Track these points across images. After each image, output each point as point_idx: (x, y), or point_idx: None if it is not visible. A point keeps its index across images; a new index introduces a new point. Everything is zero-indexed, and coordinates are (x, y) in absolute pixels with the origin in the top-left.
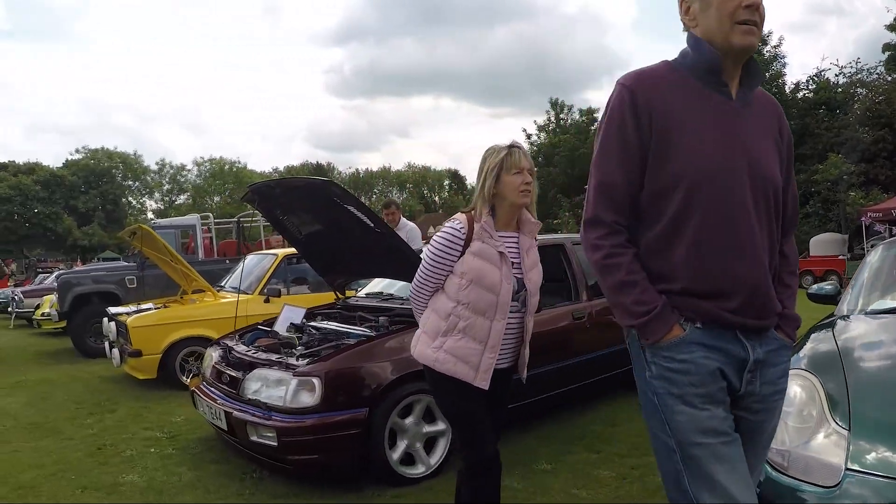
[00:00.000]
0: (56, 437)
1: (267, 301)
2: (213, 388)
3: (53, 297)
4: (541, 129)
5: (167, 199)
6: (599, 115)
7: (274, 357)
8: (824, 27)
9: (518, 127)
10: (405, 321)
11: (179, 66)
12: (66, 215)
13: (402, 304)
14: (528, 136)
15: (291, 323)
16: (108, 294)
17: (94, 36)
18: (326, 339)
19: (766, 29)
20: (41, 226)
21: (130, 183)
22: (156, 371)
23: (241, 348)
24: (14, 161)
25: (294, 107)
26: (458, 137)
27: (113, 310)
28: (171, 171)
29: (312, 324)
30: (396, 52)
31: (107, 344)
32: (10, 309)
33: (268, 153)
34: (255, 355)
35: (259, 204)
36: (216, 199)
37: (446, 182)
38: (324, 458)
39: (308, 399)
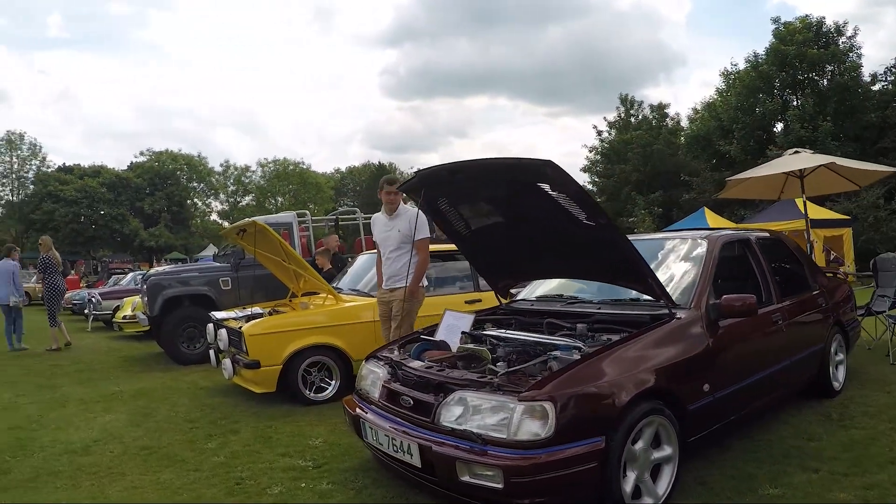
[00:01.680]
0: (178, 466)
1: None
2: (387, 414)
3: (136, 300)
4: (611, 125)
5: (232, 200)
6: (670, 111)
7: (474, 376)
8: (881, 18)
9: (575, 125)
10: (609, 328)
11: (234, 72)
12: (133, 217)
13: (597, 308)
14: (599, 133)
15: (463, 332)
16: (201, 297)
17: (150, 44)
18: (524, 353)
19: (839, 19)
20: (108, 227)
21: (195, 184)
22: (275, 384)
23: (416, 364)
24: (79, 164)
25: (350, 109)
26: (516, 137)
27: (218, 315)
28: (236, 173)
29: (489, 333)
30: (450, 52)
31: (212, 352)
32: (86, 311)
33: (324, 156)
34: (446, 374)
35: (425, 193)
36: (279, 199)
37: None
38: (557, 500)
39: (538, 429)
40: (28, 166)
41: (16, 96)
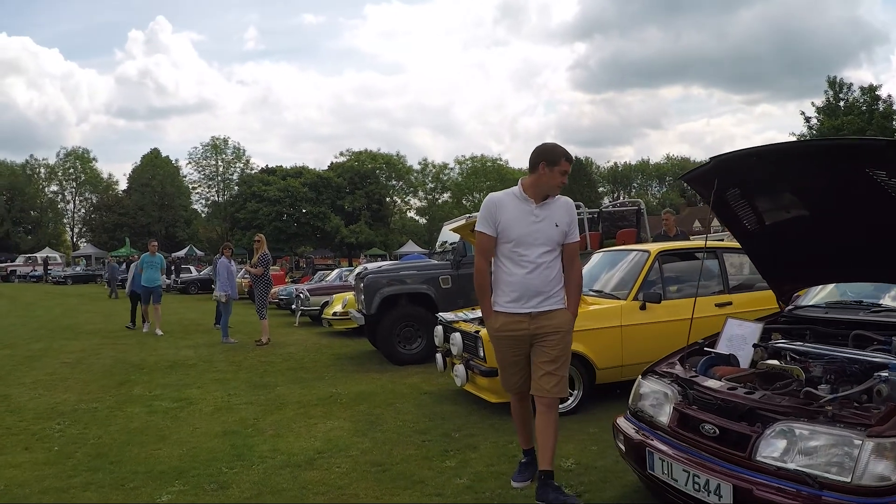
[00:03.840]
0: (417, 489)
1: (643, 308)
2: (682, 444)
3: (346, 296)
4: (819, 110)
5: (430, 197)
6: (882, 93)
7: (798, 403)
8: None
9: (773, 112)
10: None
11: (426, 73)
12: (333, 215)
13: None
14: (808, 120)
15: (755, 345)
16: (421, 295)
17: (342, 51)
18: (842, 372)
19: None
20: (309, 225)
21: (394, 182)
22: None
23: (714, 384)
24: (282, 166)
25: (542, 105)
26: (713, 127)
27: (446, 316)
28: (434, 170)
29: (788, 346)
30: (641, 42)
31: (439, 356)
32: (294, 307)
33: (517, 152)
34: (761, 399)
35: (719, 181)
36: (477, 196)
37: None
38: None
39: (889, 472)
40: (232, 169)
41: (218, 106)
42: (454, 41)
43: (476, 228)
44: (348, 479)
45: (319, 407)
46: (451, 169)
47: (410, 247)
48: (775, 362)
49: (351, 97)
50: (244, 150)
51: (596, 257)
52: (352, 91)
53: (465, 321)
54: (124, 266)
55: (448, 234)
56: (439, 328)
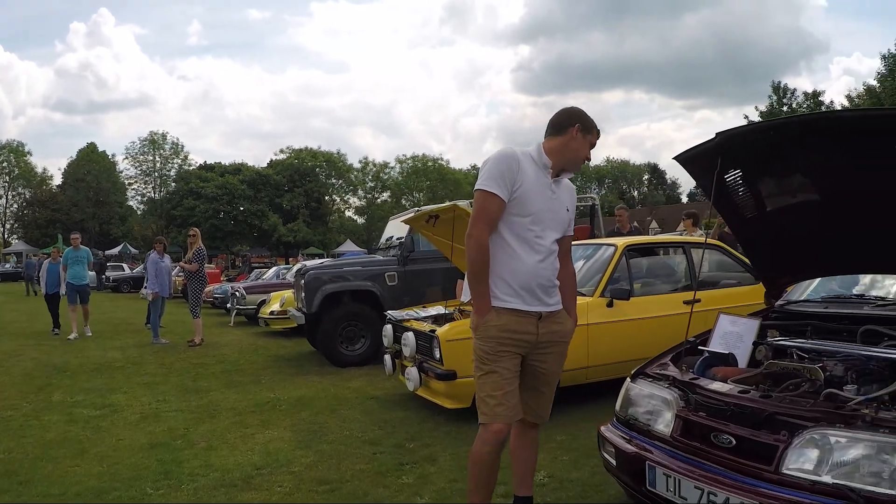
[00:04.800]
0: None
1: (610, 305)
2: (689, 456)
3: (285, 294)
4: (763, 115)
5: (369, 196)
6: (825, 98)
7: (830, 407)
8: None
9: (713, 118)
10: None
11: (369, 73)
12: (272, 213)
13: None
14: (750, 124)
15: (757, 343)
16: (365, 293)
17: (286, 48)
18: (860, 371)
19: None
20: (246, 223)
21: (334, 181)
22: (471, 400)
23: (721, 387)
24: (220, 163)
25: (484, 106)
26: (653, 131)
27: (395, 314)
28: (374, 169)
29: (793, 343)
30: (585, 45)
31: (387, 358)
32: (229, 305)
33: (458, 152)
34: (783, 403)
35: (722, 161)
36: (417, 195)
37: (645, 177)
38: None
39: None
40: (170, 165)
41: (159, 101)
42: (400, 40)
43: (484, 187)
44: (292, 500)
45: (256, 414)
46: (392, 168)
47: (349, 246)
48: (787, 362)
49: (294, 95)
50: (183, 146)
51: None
52: (295, 89)
53: (417, 320)
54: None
55: (394, 229)
56: (388, 328)
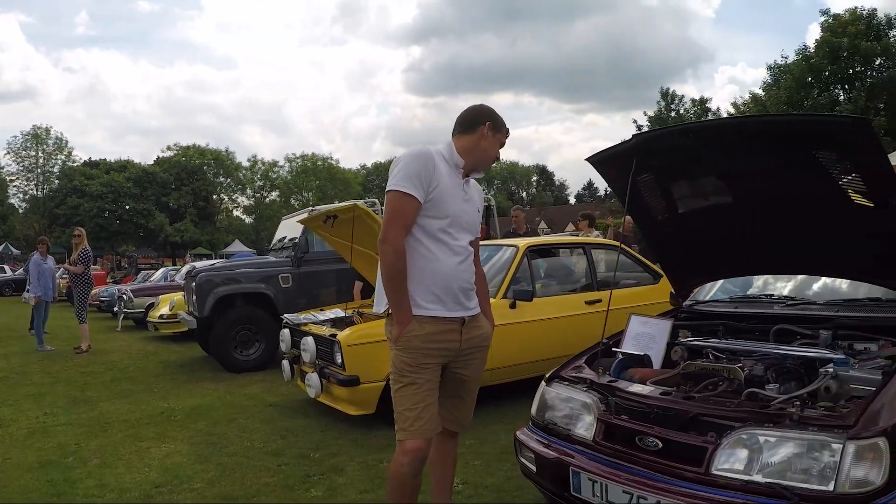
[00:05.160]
0: None
1: (513, 307)
2: (614, 460)
3: (174, 297)
4: (651, 119)
5: (258, 195)
6: (712, 105)
7: (752, 407)
8: None
9: (601, 122)
10: (856, 335)
11: (259, 70)
12: (158, 212)
13: (834, 311)
14: (639, 129)
15: (670, 343)
16: (258, 295)
17: (176, 42)
18: (779, 370)
19: (893, 11)
20: (132, 222)
21: (222, 180)
22: (374, 405)
23: (641, 389)
24: (105, 159)
25: (374, 106)
26: (541, 134)
27: (291, 318)
28: (263, 168)
29: (710, 343)
30: (476, 48)
31: (285, 363)
32: (116, 309)
33: (348, 151)
34: (706, 404)
35: (637, 162)
36: (306, 195)
37: (534, 178)
38: None
39: (873, 475)
40: (53, 161)
41: (43, 93)
42: (291, 37)
43: (399, 187)
44: None
45: (151, 426)
46: (281, 167)
47: (237, 246)
48: (704, 362)
49: (181, 90)
50: (67, 141)
51: None
52: (182, 84)
53: (315, 323)
54: None
55: (287, 229)
56: (286, 332)
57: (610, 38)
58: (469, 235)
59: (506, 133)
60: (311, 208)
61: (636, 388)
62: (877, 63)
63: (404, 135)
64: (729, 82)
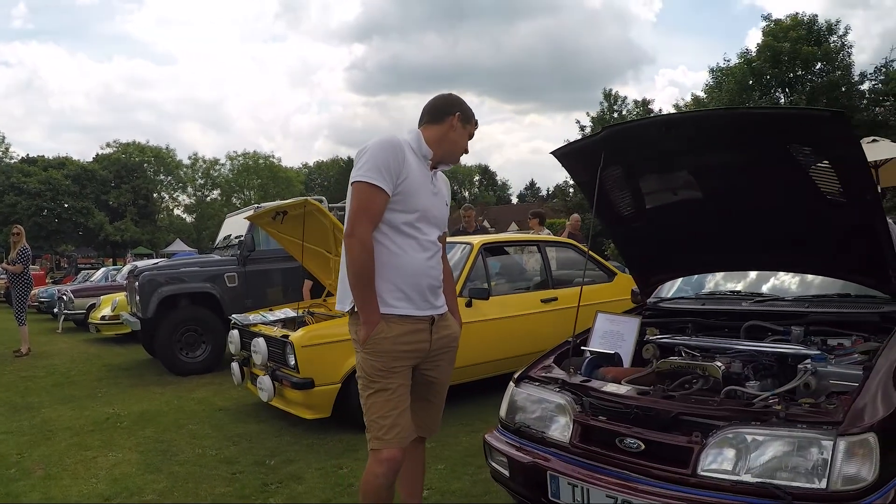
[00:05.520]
0: None
1: (469, 305)
2: (594, 463)
3: (116, 298)
4: (594, 120)
5: (199, 194)
6: (654, 106)
7: (736, 405)
8: (849, 20)
9: (542, 122)
10: (827, 330)
11: (199, 66)
12: (98, 210)
13: (804, 307)
14: (582, 129)
15: (643, 341)
16: (204, 295)
17: (115, 37)
18: (758, 367)
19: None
20: (71, 221)
21: (163, 177)
22: (330, 409)
23: (617, 389)
24: (43, 156)
25: (316, 105)
26: (482, 133)
27: (240, 318)
28: (204, 166)
29: (669, 340)
30: (419, 47)
31: (235, 366)
32: (56, 310)
33: (289, 150)
34: (689, 404)
35: (606, 156)
36: (248, 193)
37: (476, 178)
38: None
39: (863, 472)
40: None
41: None
42: (232, 33)
43: (366, 178)
44: None
45: (97, 434)
46: (223, 165)
47: (179, 245)
48: (679, 360)
49: (120, 86)
50: (3, 137)
51: None
52: (121, 79)
53: (266, 324)
54: None
55: (232, 227)
56: (235, 333)
57: (553, 40)
58: (437, 230)
59: (475, 125)
60: (256, 206)
61: (611, 387)
62: (817, 67)
63: (346, 133)
64: (669, 84)
